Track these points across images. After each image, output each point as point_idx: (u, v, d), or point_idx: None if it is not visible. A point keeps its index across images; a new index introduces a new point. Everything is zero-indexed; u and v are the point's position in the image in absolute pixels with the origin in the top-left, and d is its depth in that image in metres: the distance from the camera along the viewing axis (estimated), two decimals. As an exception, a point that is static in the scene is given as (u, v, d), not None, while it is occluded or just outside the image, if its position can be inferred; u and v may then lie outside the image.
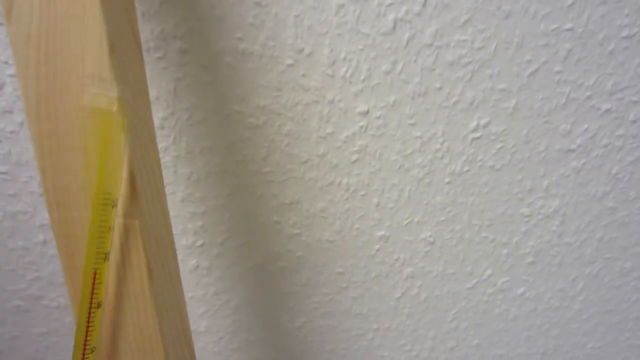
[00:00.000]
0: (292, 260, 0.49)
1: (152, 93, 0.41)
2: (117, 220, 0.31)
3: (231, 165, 0.44)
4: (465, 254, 0.51)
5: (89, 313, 0.32)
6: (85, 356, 0.33)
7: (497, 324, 0.56)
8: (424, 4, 0.38)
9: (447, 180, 0.47)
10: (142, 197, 0.31)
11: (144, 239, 0.32)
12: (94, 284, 0.32)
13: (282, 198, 0.46)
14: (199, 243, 0.48)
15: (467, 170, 0.47)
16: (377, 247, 0.50)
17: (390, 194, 0.47)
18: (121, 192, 0.31)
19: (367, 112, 0.43)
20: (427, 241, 0.50)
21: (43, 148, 0.30)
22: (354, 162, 0.45)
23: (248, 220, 0.47)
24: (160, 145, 0.43)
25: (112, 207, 0.30)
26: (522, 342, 0.58)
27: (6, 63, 0.39)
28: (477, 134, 0.45)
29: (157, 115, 0.42)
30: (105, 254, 0.31)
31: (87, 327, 0.33)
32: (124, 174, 0.30)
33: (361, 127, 0.43)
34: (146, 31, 0.39)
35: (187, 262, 0.49)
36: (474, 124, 0.44)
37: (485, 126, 0.45)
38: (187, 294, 0.51)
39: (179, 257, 0.49)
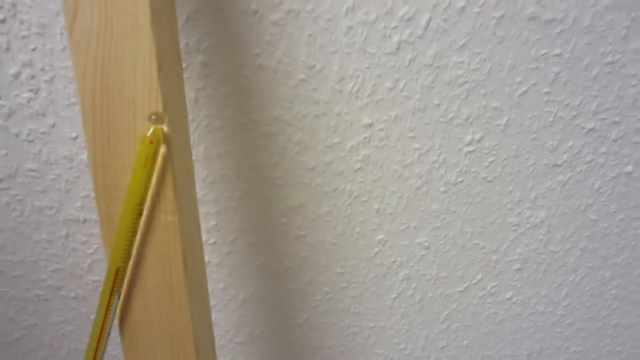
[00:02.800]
0: (297, 260, 0.53)
1: (175, 101, 0.45)
2: (162, 217, 0.35)
3: (244, 169, 0.48)
4: (458, 259, 0.55)
5: (108, 303, 0.36)
6: (101, 339, 0.37)
7: (485, 326, 0.60)
8: (426, 28, 0.42)
9: (442, 189, 0.51)
10: (181, 196, 0.35)
11: (181, 234, 0.35)
12: (115, 278, 0.35)
13: (290, 202, 0.50)
14: (211, 241, 0.52)
15: (461, 181, 0.50)
16: (376, 250, 0.53)
17: (390, 201, 0.51)
18: (165, 192, 0.35)
19: (371, 125, 0.47)
20: (423, 246, 0.53)
21: (95, 149, 0.34)
22: (358, 170, 0.49)
23: (258, 221, 0.51)
24: (180, 149, 0.47)
25: (140, 216, 0.34)
26: (508, 344, 0.62)
27: (42, 70, 0.43)
28: (471, 148, 0.49)
29: (178, 122, 0.45)
30: (130, 253, 0.35)
31: (105, 314, 0.36)
32: (169, 178, 0.34)
33: (365, 138, 0.47)
34: (172, 45, 0.42)
35: (199, 259, 0.53)
36: (468, 138, 0.48)
37: (478, 141, 0.49)
38: (197, 289, 0.55)
39: (191, 254, 0.52)
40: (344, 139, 0.47)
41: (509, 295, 0.58)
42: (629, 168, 0.51)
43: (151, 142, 0.33)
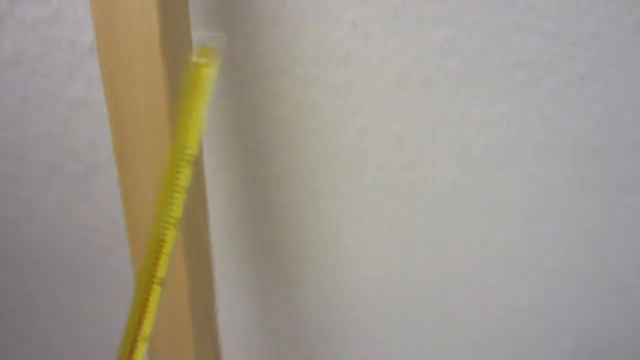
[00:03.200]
0: (278, 145, 0.59)
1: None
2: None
3: (238, 57, 0.52)
4: (426, 148, 0.61)
5: (148, 290, 0.29)
6: (136, 345, 0.29)
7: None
8: None
9: (417, 83, 0.56)
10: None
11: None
12: (158, 256, 0.28)
13: (277, 88, 0.55)
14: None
15: (434, 77, 0.56)
16: (354, 137, 0.59)
17: (369, 92, 0.56)
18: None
19: (354, 22, 0.51)
20: (397, 134, 0.60)
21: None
22: (340, 62, 0.54)
23: (246, 106, 0.56)
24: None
25: (188, 165, 0.29)
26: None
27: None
28: (444, 47, 0.54)
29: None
30: (176, 219, 0.29)
31: (145, 307, 0.29)
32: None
33: (348, 33, 0.52)
34: None
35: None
36: (442, 37, 0.53)
37: (451, 40, 0.54)
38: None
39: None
40: (329, 34, 0.52)
41: (470, 181, 0.65)
42: (582, 69, 0.57)
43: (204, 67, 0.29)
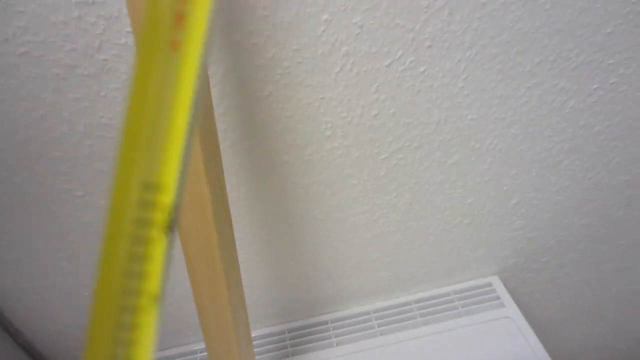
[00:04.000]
0: (262, 37, 0.69)
1: None
2: None
3: None
4: (384, 37, 0.72)
5: None
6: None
7: (406, 97, 0.79)
8: None
9: (371, -23, 0.67)
10: None
11: None
12: None
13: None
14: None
15: (385, -32, 0.67)
16: (322, 29, 0.69)
17: (332, -18, 0.66)
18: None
19: None
20: (357, 25, 0.70)
21: None
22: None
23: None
24: None
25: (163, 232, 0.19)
26: (424, 112, 0.81)
27: None
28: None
29: None
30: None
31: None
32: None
33: None
34: None
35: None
36: None
37: None
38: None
39: None
40: None
41: (422, 69, 0.76)
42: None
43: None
